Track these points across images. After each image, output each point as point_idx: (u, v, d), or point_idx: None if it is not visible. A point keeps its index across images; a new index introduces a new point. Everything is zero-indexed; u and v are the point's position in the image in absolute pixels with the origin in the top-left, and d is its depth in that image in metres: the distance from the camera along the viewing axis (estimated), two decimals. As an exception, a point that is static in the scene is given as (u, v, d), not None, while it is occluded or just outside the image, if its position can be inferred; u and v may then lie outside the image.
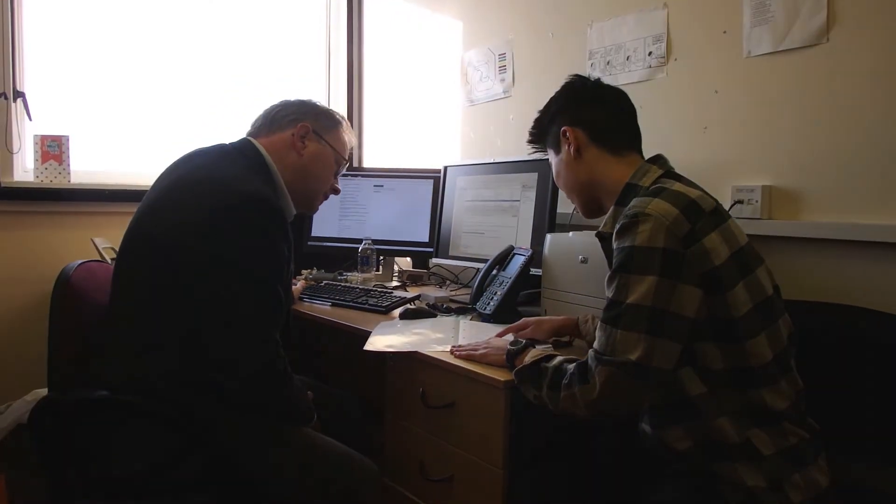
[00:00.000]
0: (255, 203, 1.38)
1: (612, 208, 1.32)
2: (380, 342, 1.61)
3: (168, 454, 1.30)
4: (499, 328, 1.70)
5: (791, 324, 1.23)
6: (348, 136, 1.70)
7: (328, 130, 1.64)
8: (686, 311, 1.11)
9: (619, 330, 1.11)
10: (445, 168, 2.46)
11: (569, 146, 1.38)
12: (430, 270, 2.61)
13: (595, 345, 1.15)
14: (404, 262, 2.77)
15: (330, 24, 3.32)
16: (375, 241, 2.47)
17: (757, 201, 1.69)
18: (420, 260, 2.65)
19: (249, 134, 1.62)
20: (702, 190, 1.25)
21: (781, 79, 1.69)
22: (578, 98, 1.43)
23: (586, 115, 1.39)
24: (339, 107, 3.27)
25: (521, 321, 1.63)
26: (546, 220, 2.01)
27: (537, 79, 2.39)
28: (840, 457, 1.21)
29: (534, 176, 2.09)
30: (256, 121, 1.65)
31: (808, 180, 1.64)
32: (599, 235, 1.33)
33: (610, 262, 1.31)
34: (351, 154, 1.70)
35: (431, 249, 2.47)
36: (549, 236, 1.81)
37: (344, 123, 1.69)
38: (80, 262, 1.65)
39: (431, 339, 1.61)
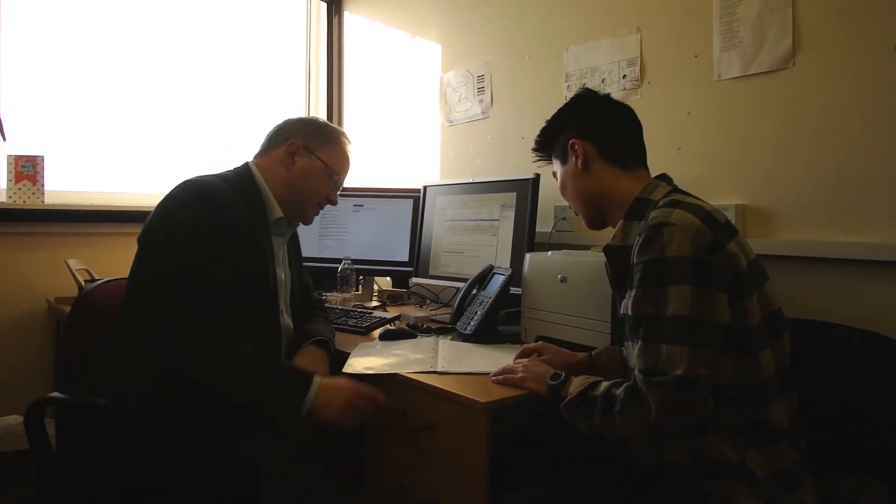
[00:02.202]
0: (186, 185, 1.49)
1: (621, 222, 1.32)
2: (359, 364, 1.58)
3: (134, 459, 1.34)
4: (479, 348, 1.72)
5: (791, 342, 1.25)
6: (344, 151, 1.75)
7: (320, 146, 1.68)
8: (720, 318, 1.13)
9: (664, 345, 1.11)
10: (425, 188, 2.47)
11: (576, 158, 1.38)
12: (410, 290, 2.60)
13: (640, 365, 1.14)
14: (384, 282, 2.76)
15: (310, 46, 3.34)
16: (355, 261, 2.46)
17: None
18: (400, 279, 2.65)
19: (255, 155, 1.70)
20: (711, 206, 1.27)
21: (751, 101, 1.73)
22: (588, 111, 1.43)
23: (596, 129, 1.39)
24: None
25: (540, 343, 1.58)
26: (525, 240, 2.03)
27: (515, 100, 2.42)
28: (813, 469, 1.23)
29: (513, 195, 2.11)
30: (263, 141, 1.72)
31: (780, 199, 1.68)
32: (608, 248, 1.32)
33: (615, 275, 1.32)
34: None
35: (411, 269, 2.47)
36: (528, 255, 1.82)
37: (341, 139, 1.74)
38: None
39: (411, 360, 1.59)
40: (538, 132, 1.52)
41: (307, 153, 1.66)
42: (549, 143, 1.49)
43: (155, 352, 1.36)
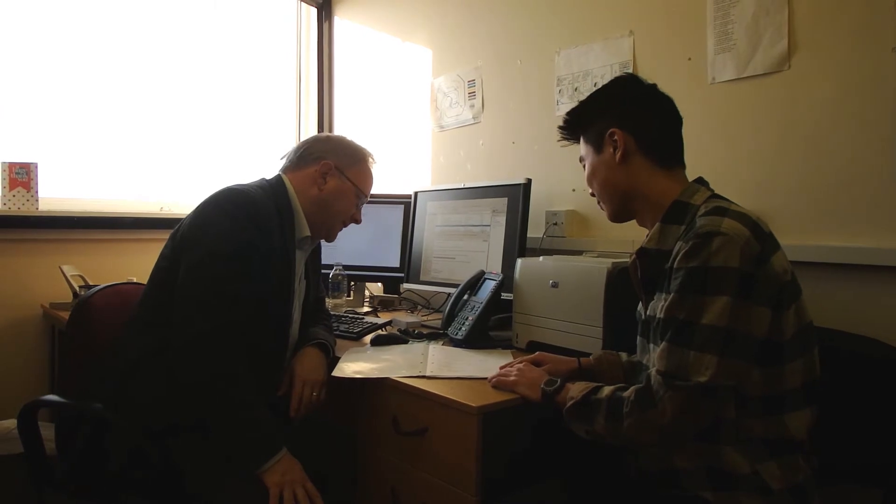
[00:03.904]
0: (229, 191, 1.52)
1: (658, 224, 1.27)
2: (349, 368, 1.58)
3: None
4: (470, 353, 1.70)
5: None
6: (370, 171, 1.78)
7: (350, 167, 1.72)
8: (756, 332, 1.11)
9: (693, 351, 1.09)
10: (416, 193, 2.45)
11: (614, 150, 1.31)
12: (402, 296, 2.59)
13: (661, 366, 1.11)
14: (375, 288, 2.75)
15: (300, 51, 3.33)
16: (346, 267, 2.44)
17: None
18: (391, 285, 2.63)
19: (282, 168, 1.72)
20: (755, 213, 1.23)
21: (746, 104, 1.72)
22: (632, 100, 1.34)
23: (638, 121, 1.31)
24: (310, 132, 3.26)
25: (537, 354, 1.53)
26: (516, 245, 2.01)
27: (506, 105, 2.41)
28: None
29: (504, 201, 2.10)
30: (289, 154, 1.74)
31: (775, 203, 1.67)
32: (642, 251, 1.28)
33: (646, 278, 1.28)
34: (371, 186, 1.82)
35: (402, 275, 2.45)
36: (519, 261, 1.81)
37: (369, 159, 1.78)
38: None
39: (401, 364, 1.59)
40: (569, 110, 1.42)
41: (338, 174, 1.68)
42: (580, 125, 1.40)
43: (177, 357, 1.38)
